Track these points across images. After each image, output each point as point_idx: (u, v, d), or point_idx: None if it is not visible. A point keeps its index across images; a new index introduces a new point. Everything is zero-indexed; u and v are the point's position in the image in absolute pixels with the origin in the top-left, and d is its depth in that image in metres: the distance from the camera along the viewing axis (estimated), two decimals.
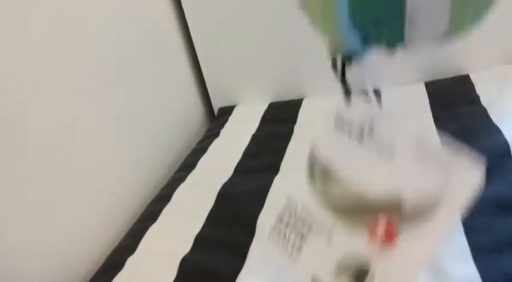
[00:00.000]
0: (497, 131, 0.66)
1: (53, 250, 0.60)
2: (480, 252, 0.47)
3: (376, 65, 0.38)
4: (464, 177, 0.35)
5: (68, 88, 0.66)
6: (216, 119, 1.03)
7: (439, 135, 0.66)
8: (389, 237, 0.37)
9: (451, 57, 0.90)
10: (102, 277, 0.59)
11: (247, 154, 0.81)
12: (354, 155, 0.40)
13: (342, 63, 0.38)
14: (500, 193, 0.54)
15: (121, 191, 0.75)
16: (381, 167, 0.38)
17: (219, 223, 0.63)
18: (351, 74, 0.38)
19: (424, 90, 0.87)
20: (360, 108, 0.40)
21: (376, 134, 0.39)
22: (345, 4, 0.32)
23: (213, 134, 0.93)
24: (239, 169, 0.76)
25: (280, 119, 0.92)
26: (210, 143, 0.89)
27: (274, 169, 0.73)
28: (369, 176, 0.39)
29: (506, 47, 0.89)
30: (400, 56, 0.35)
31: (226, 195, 0.69)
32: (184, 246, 0.59)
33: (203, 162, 0.82)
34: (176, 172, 0.84)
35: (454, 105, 0.79)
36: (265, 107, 0.99)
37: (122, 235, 0.69)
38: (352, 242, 0.39)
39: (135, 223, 0.71)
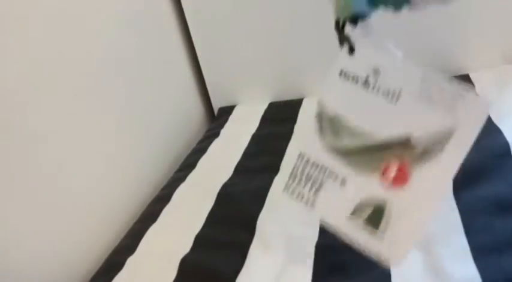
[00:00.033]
0: (497, 131, 0.66)
1: (53, 250, 0.60)
2: (480, 252, 0.47)
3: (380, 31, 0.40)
4: (470, 110, 0.36)
5: (68, 88, 0.66)
6: (216, 119, 1.03)
7: None
8: (402, 178, 0.38)
9: (451, 57, 0.90)
10: (102, 277, 0.59)
11: (247, 154, 0.81)
12: (361, 100, 0.41)
13: (343, 23, 0.40)
14: (500, 193, 0.54)
15: (121, 191, 0.75)
16: (388, 110, 0.39)
17: (219, 223, 0.63)
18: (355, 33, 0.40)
19: None
20: (363, 58, 0.41)
21: (382, 79, 0.40)
22: None
23: (213, 134, 0.93)
24: (239, 169, 0.76)
25: (280, 119, 0.92)
26: (210, 143, 0.89)
27: (274, 169, 0.73)
28: (378, 119, 0.40)
29: (506, 47, 0.89)
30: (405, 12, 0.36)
31: (226, 195, 0.69)
32: (184, 246, 0.59)
33: (203, 162, 0.82)
34: (176, 172, 0.84)
35: None
36: (265, 106, 0.99)
37: (122, 235, 0.69)
38: (367, 185, 0.40)
39: (135, 223, 0.71)
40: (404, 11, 0.38)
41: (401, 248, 0.39)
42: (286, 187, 0.44)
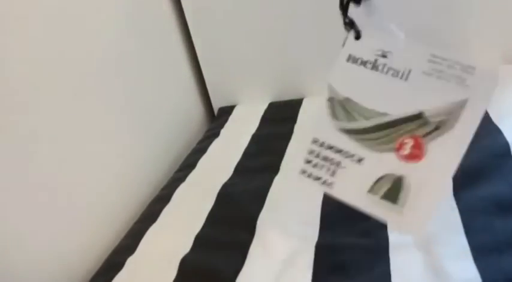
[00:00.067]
0: (497, 131, 0.66)
1: (53, 250, 0.60)
2: (480, 252, 0.47)
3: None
4: (480, 82, 0.38)
5: (68, 88, 0.66)
6: (216, 119, 1.03)
7: None
8: (418, 154, 0.40)
9: None
10: (102, 277, 0.59)
11: (247, 154, 0.81)
12: (372, 82, 0.42)
13: (347, 2, 0.41)
14: (500, 193, 0.54)
15: (121, 191, 0.75)
16: (400, 89, 0.41)
17: (219, 223, 0.63)
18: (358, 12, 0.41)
19: None
20: (370, 42, 0.42)
21: (390, 61, 0.41)
22: None
23: (213, 134, 0.93)
24: (239, 169, 0.76)
25: (280, 119, 0.92)
26: (210, 143, 0.89)
27: (274, 169, 0.73)
28: (390, 98, 0.41)
29: (506, 47, 0.89)
30: None
31: (226, 195, 0.69)
32: (184, 246, 0.59)
33: (203, 162, 0.82)
34: (176, 172, 0.84)
35: None
36: (265, 106, 0.99)
37: (122, 235, 0.69)
38: (383, 162, 0.41)
39: (135, 223, 0.71)
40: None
41: (421, 220, 0.40)
42: (303, 171, 0.45)
